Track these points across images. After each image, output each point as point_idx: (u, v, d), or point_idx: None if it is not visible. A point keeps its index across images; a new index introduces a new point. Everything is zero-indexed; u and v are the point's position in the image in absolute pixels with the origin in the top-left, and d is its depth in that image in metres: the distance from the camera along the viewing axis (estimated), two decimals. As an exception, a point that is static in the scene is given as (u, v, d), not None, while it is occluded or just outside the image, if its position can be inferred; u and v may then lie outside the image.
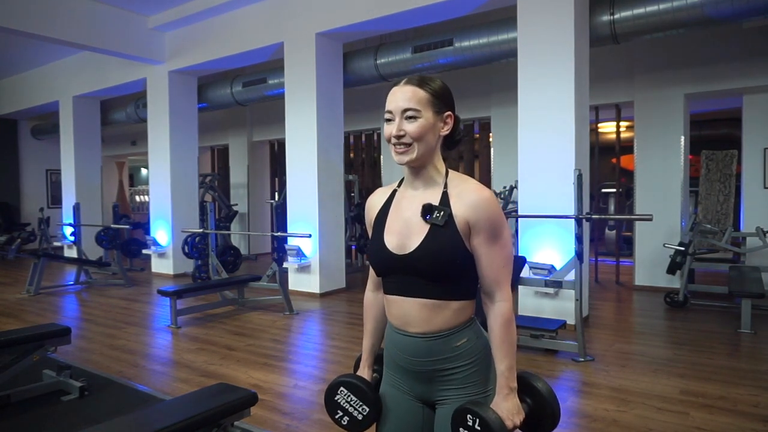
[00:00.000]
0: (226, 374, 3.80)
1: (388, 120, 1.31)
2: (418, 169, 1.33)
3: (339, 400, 1.45)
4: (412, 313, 1.32)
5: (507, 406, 1.26)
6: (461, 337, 1.31)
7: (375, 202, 1.44)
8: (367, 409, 1.41)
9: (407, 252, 1.30)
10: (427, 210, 1.28)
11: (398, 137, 1.28)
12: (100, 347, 4.58)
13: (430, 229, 1.28)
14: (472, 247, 1.28)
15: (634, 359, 3.98)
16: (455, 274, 1.28)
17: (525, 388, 1.32)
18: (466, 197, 1.27)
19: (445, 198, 1.30)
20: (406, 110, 1.27)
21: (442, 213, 1.27)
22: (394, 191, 1.41)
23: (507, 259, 1.30)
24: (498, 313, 1.29)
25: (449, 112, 1.32)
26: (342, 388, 1.44)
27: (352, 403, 1.43)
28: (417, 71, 6.63)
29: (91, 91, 9.72)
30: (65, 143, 10.44)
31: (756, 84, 6.07)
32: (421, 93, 1.28)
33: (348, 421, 1.43)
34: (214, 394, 2.47)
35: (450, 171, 1.35)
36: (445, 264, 1.26)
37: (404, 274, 1.31)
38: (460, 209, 1.27)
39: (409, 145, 1.28)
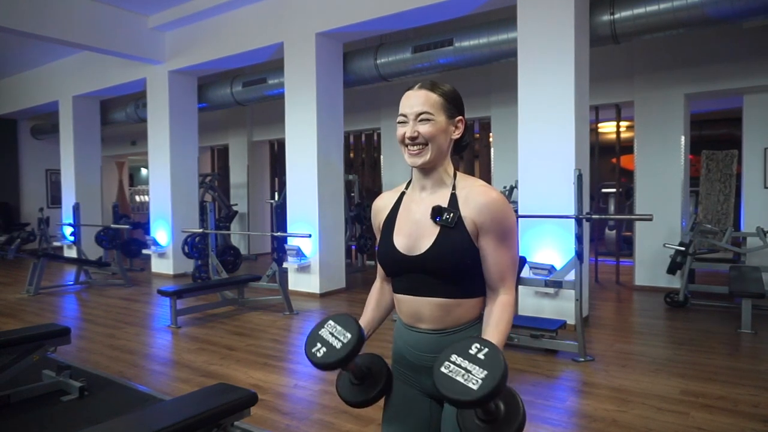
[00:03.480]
0: (226, 374, 3.80)
1: (402, 122, 1.34)
2: (428, 171, 1.35)
3: (322, 333, 1.33)
4: (424, 312, 1.33)
5: None
6: (473, 333, 1.33)
7: (382, 205, 1.46)
8: (349, 336, 1.29)
9: (418, 253, 1.31)
10: (436, 212, 1.30)
11: (412, 138, 1.31)
12: (100, 347, 4.58)
13: (440, 230, 1.29)
14: (480, 246, 1.30)
15: (634, 359, 3.98)
16: (467, 273, 1.30)
17: (508, 396, 1.19)
18: (474, 199, 1.30)
19: (453, 199, 1.32)
20: (420, 114, 1.30)
21: (452, 215, 1.29)
22: (402, 194, 1.43)
23: (513, 259, 1.33)
24: (499, 300, 1.31)
25: (460, 117, 1.36)
26: (330, 321, 1.35)
27: (335, 333, 1.32)
28: (417, 71, 6.63)
29: (91, 91, 9.72)
30: (65, 143, 10.43)
31: (756, 84, 6.06)
32: (434, 97, 1.32)
33: (324, 352, 1.29)
34: (214, 394, 2.47)
35: (458, 173, 1.38)
36: (457, 264, 1.29)
37: (415, 275, 1.33)
38: (468, 211, 1.29)
39: (422, 146, 1.31)
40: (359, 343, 1.29)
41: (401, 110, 1.34)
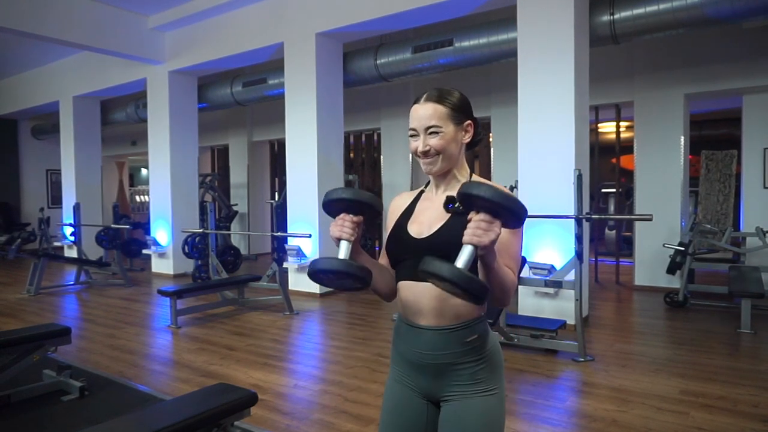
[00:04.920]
0: (226, 374, 3.81)
1: (413, 135, 1.39)
2: (443, 175, 1.42)
3: None
4: (424, 301, 1.35)
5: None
6: (472, 332, 1.34)
7: (401, 203, 1.51)
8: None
9: (426, 236, 1.36)
10: (449, 200, 1.35)
11: (424, 152, 1.37)
12: (100, 347, 4.58)
13: (450, 217, 1.34)
14: None
15: (634, 359, 3.98)
16: None
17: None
18: None
19: None
20: (429, 128, 1.36)
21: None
22: (421, 192, 1.50)
23: (516, 254, 1.35)
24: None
25: (469, 121, 1.41)
26: None
27: None
28: (417, 71, 6.63)
29: (91, 91, 9.72)
30: (65, 143, 10.44)
31: (756, 84, 6.07)
32: (441, 109, 1.36)
33: (342, 192, 1.34)
34: (214, 394, 2.47)
35: (473, 174, 1.45)
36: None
37: (419, 258, 1.33)
38: None
39: (434, 157, 1.37)
40: (378, 201, 1.34)
41: (411, 124, 1.39)
